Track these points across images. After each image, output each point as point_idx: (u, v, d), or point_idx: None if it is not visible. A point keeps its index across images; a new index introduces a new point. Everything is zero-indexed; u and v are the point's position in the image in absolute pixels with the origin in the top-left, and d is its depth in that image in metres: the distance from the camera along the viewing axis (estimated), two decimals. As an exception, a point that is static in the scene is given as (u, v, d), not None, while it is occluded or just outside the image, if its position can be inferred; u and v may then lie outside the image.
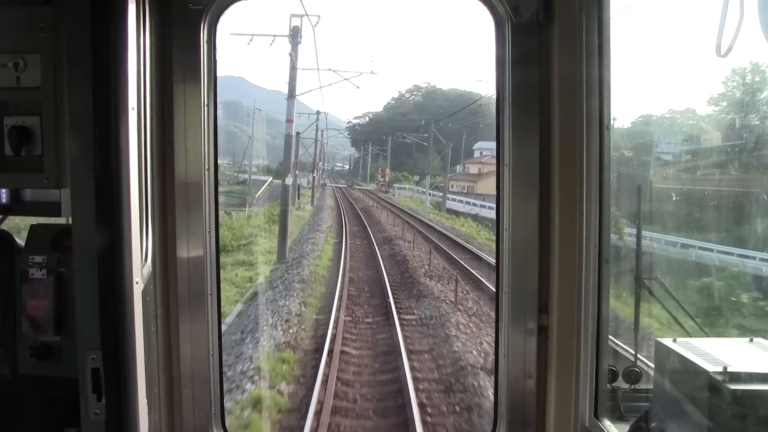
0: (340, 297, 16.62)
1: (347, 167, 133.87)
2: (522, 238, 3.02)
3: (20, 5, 2.41)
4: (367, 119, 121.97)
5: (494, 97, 3.14)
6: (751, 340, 2.54)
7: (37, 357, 2.46)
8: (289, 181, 27.01)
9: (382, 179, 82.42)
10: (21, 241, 2.67)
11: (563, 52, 2.87)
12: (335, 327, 13.55)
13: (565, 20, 2.86)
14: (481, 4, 3.05)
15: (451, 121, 67.73)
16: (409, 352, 12.19)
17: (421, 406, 9.56)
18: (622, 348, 3.07)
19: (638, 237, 3.06)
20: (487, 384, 10.42)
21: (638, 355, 2.91)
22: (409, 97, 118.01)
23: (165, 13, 2.93)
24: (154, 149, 2.81)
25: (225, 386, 6.41)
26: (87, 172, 2.23)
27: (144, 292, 2.40)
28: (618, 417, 2.79)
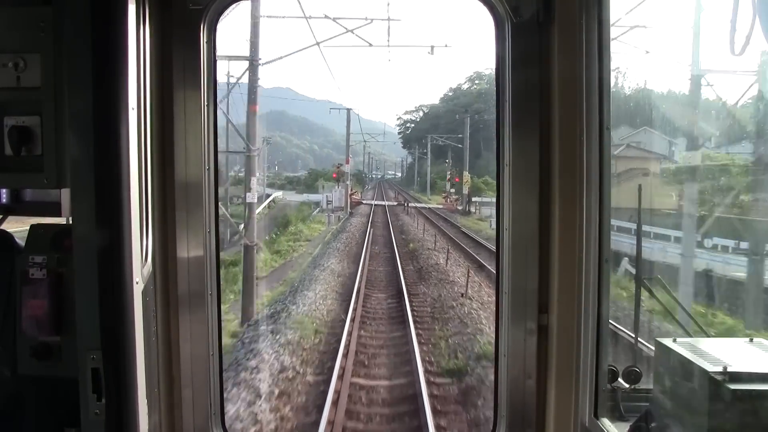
0: None
1: (399, 175, 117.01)
2: (522, 238, 3.02)
3: (20, 5, 2.41)
4: (421, 114, 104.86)
5: None
6: (751, 340, 2.54)
7: (37, 357, 2.45)
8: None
9: (453, 192, 51.15)
10: (21, 241, 2.67)
11: (563, 52, 2.87)
12: None
13: (565, 20, 2.86)
14: (480, 4, 3.05)
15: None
16: None
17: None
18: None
19: (638, 237, 3.06)
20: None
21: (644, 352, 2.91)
22: (470, 86, 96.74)
23: (165, 13, 2.93)
24: (154, 149, 2.81)
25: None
26: (87, 172, 2.23)
27: (144, 292, 2.40)
28: (618, 417, 2.79)
